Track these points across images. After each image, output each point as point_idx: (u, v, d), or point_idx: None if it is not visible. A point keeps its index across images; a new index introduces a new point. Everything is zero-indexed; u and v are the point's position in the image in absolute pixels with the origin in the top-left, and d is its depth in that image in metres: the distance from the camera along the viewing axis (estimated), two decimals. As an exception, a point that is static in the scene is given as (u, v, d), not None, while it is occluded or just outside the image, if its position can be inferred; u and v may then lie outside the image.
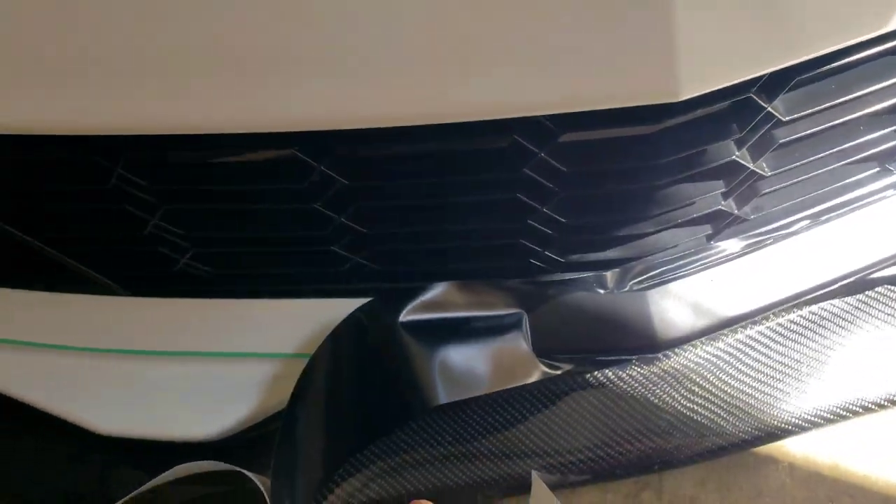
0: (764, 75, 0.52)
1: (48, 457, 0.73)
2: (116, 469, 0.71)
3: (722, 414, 0.71)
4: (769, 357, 0.72)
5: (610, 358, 0.69)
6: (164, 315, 0.68)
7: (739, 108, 0.55)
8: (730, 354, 0.72)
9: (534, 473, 0.70)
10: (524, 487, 0.69)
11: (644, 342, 0.68)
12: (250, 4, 0.48)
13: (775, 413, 0.72)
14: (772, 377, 0.72)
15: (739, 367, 0.72)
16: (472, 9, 0.47)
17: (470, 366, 0.64)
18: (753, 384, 0.72)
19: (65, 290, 0.68)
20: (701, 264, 0.69)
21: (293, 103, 0.50)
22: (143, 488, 0.67)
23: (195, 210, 0.60)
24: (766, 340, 0.72)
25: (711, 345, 0.71)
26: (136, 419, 0.68)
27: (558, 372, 0.67)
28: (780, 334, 0.72)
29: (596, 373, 0.69)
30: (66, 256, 0.64)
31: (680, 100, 0.48)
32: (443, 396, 0.62)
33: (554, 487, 0.69)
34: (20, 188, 0.59)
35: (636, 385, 0.70)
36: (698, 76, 0.47)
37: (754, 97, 0.54)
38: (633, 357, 0.70)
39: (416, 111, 0.50)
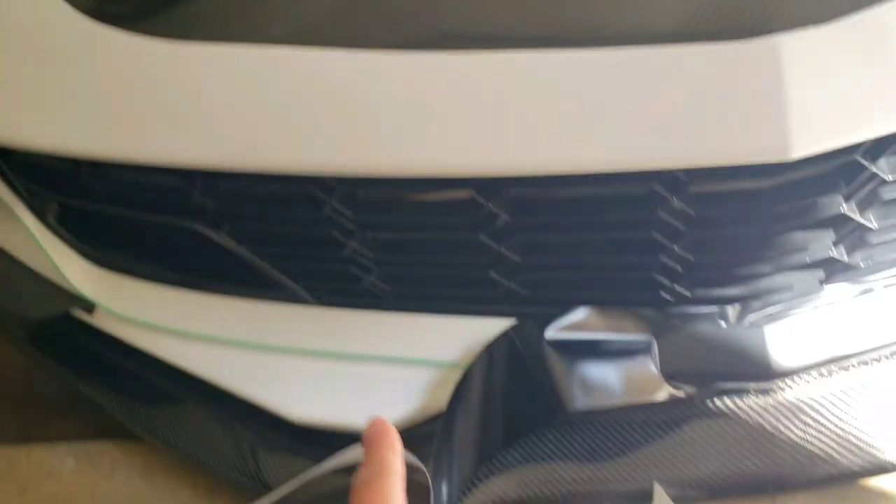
0: (867, 141, 0.61)
1: (231, 436, 0.85)
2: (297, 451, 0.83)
3: (833, 445, 0.76)
4: (882, 395, 0.77)
5: (728, 385, 0.76)
6: (347, 323, 0.80)
7: (846, 168, 0.64)
8: (843, 391, 0.77)
9: (655, 485, 0.77)
10: (645, 498, 0.75)
11: (759, 372, 0.74)
12: (441, 89, 0.61)
13: (887, 448, 0.76)
14: (884, 414, 0.77)
15: (851, 403, 0.76)
16: (620, 87, 0.58)
17: (604, 380, 0.72)
18: (865, 419, 0.76)
19: (270, 299, 0.81)
20: (815, 305, 0.75)
21: (477, 156, 0.62)
22: (328, 466, 0.78)
23: (385, 237, 0.73)
24: (877, 379, 0.77)
25: (825, 380, 0.77)
26: (318, 410, 0.79)
27: (681, 394, 0.74)
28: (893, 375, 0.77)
29: (716, 399, 0.76)
30: (277, 271, 0.78)
31: (790, 160, 0.57)
32: (579, 403, 0.71)
33: (673, 500, 0.73)
34: (254, 214, 0.74)
35: (752, 413, 0.76)
36: (807, 141, 0.57)
37: (859, 159, 0.63)
38: (750, 386, 0.76)
39: (573, 164, 0.62)
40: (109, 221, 0.82)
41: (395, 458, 0.51)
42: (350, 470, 0.79)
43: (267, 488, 0.80)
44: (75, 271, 0.86)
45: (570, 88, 0.60)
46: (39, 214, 0.84)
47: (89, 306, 0.87)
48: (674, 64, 0.58)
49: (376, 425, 0.53)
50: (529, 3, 0.62)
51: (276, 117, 0.65)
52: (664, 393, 0.73)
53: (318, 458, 0.77)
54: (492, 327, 0.76)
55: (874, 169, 0.64)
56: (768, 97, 0.57)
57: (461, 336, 0.77)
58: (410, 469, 0.75)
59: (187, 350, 0.84)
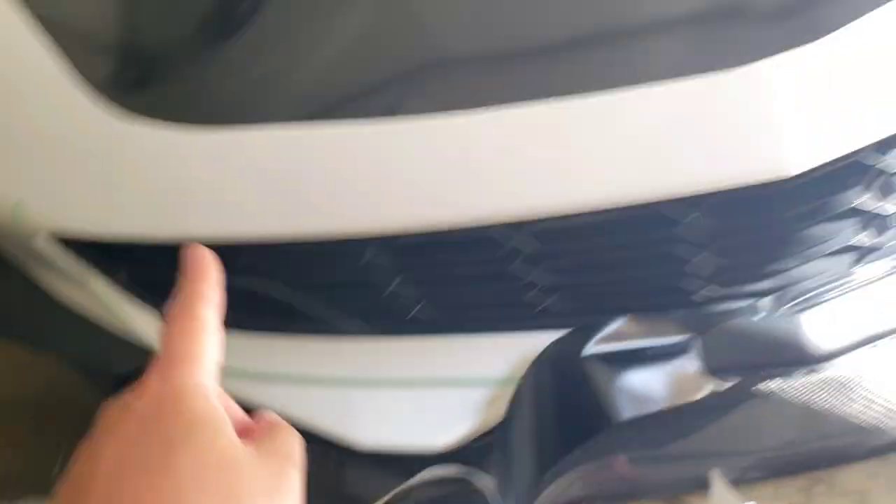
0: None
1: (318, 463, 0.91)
2: (370, 475, 0.87)
3: (882, 416, 0.77)
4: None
5: (772, 372, 0.77)
6: (405, 350, 0.84)
7: (854, 167, 0.65)
8: (885, 363, 0.78)
9: (713, 472, 0.80)
10: (704, 485, 0.78)
11: (800, 357, 0.76)
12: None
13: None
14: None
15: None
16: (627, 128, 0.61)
17: (648, 386, 0.74)
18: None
19: (327, 333, 0.85)
20: (846, 288, 0.76)
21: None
22: (398, 490, 0.83)
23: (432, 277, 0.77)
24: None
25: (867, 355, 0.78)
26: (386, 436, 0.83)
27: (726, 387, 0.76)
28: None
29: (761, 384, 0.77)
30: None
31: (790, 177, 0.59)
32: (626, 412, 0.73)
33: (732, 483, 0.77)
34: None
35: (799, 393, 0.76)
36: (802, 157, 0.59)
37: (864, 161, 0.64)
38: (793, 369, 0.77)
39: (590, 202, 0.65)
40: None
41: (208, 287, 0.49)
42: (436, 483, 0.85)
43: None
44: (147, 326, 0.93)
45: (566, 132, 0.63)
46: (112, 280, 0.90)
47: (165, 357, 0.93)
48: (677, 97, 0.60)
49: (193, 253, 0.51)
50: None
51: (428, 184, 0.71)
52: (707, 389, 0.75)
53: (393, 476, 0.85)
54: (538, 341, 0.79)
55: (881, 166, 0.64)
56: (759, 122, 0.59)
57: (508, 353, 0.80)
58: (469, 480, 0.80)
59: (260, 390, 0.88)
